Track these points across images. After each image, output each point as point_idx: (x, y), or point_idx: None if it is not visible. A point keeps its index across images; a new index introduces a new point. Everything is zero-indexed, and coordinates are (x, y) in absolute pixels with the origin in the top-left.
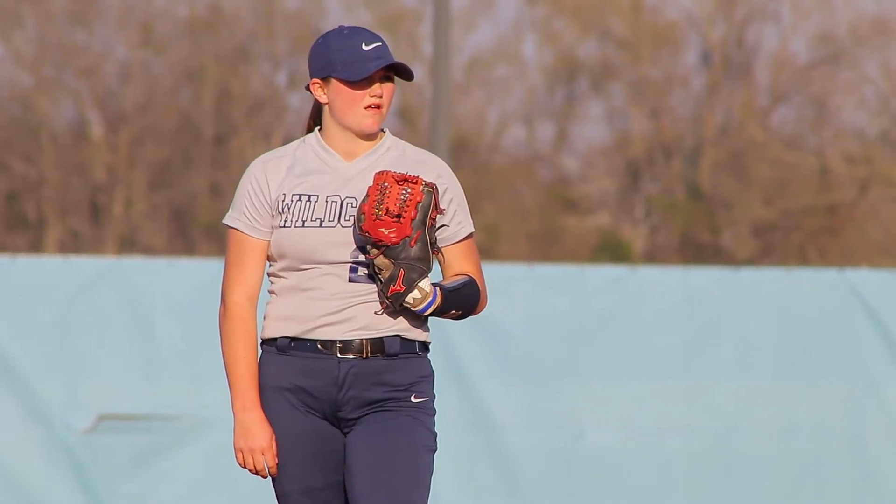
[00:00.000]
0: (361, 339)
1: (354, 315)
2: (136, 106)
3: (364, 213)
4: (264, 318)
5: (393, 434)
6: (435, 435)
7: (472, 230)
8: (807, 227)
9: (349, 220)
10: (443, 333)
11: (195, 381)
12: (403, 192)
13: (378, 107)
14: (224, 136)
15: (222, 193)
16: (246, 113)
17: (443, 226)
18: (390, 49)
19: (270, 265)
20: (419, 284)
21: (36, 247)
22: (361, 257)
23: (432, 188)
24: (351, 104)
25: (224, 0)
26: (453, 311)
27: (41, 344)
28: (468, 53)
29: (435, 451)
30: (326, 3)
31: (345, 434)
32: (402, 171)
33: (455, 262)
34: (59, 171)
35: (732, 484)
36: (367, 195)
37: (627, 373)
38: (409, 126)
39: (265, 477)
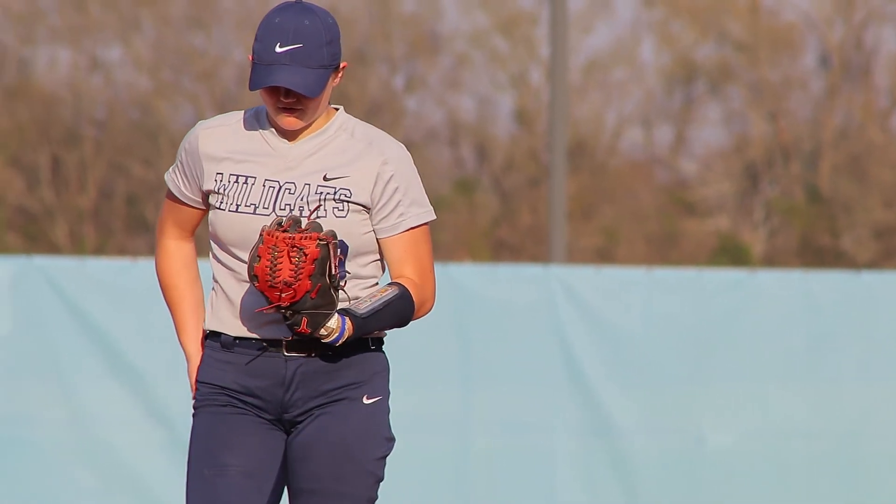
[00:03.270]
0: (310, 340)
1: None
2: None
3: (257, 276)
4: (208, 306)
5: (344, 448)
6: (390, 438)
7: (420, 222)
8: None
9: (284, 208)
10: (561, 338)
11: None
12: (297, 257)
13: (293, 108)
14: None
15: None
16: (363, 116)
17: (382, 218)
18: (306, 53)
19: (212, 247)
20: (325, 324)
21: (155, 250)
22: None
23: (328, 240)
24: (265, 99)
25: (340, 3)
26: (376, 332)
27: (162, 346)
28: (585, 56)
29: (388, 454)
30: (443, 5)
31: (288, 434)
32: (292, 234)
33: (393, 257)
34: None
35: (855, 488)
36: (258, 256)
37: (748, 376)
38: (526, 129)
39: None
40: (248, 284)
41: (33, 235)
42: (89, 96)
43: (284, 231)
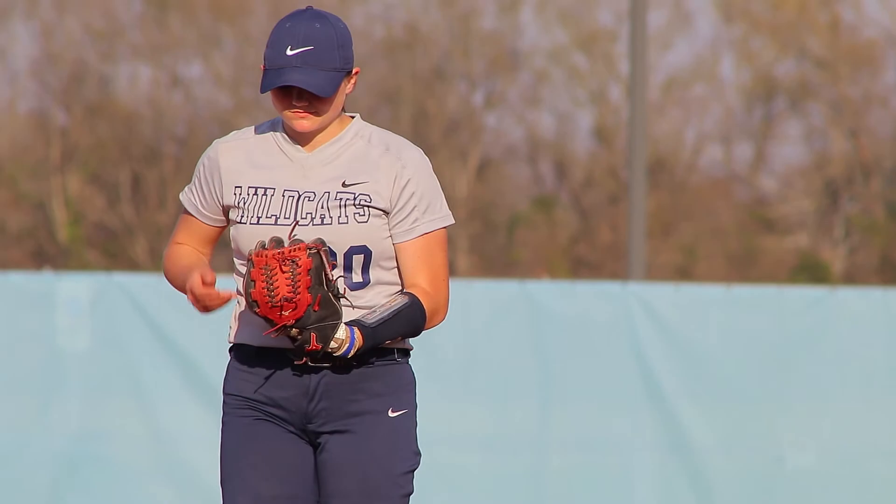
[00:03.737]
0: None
1: None
2: None
3: (256, 301)
4: (233, 321)
5: (371, 461)
6: (416, 452)
7: (433, 228)
8: None
9: (305, 217)
10: (640, 356)
11: None
12: (291, 270)
13: (305, 112)
14: None
15: None
16: (442, 133)
17: (398, 223)
18: (319, 56)
19: (235, 262)
20: (334, 336)
21: (231, 265)
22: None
23: (318, 247)
24: (278, 104)
25: (420, 21)
26: (388, 342)
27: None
28: (665, 72)
29: (416, 468)
30: (523, 22)
31: (315, 448)
32: (280, 249)
33: (407, 263)
34: None
35: None
36: (252, 280)
37: (828, 395)
38: (605, 146)
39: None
40: None
41: (113, 252)
42: (170, 113)
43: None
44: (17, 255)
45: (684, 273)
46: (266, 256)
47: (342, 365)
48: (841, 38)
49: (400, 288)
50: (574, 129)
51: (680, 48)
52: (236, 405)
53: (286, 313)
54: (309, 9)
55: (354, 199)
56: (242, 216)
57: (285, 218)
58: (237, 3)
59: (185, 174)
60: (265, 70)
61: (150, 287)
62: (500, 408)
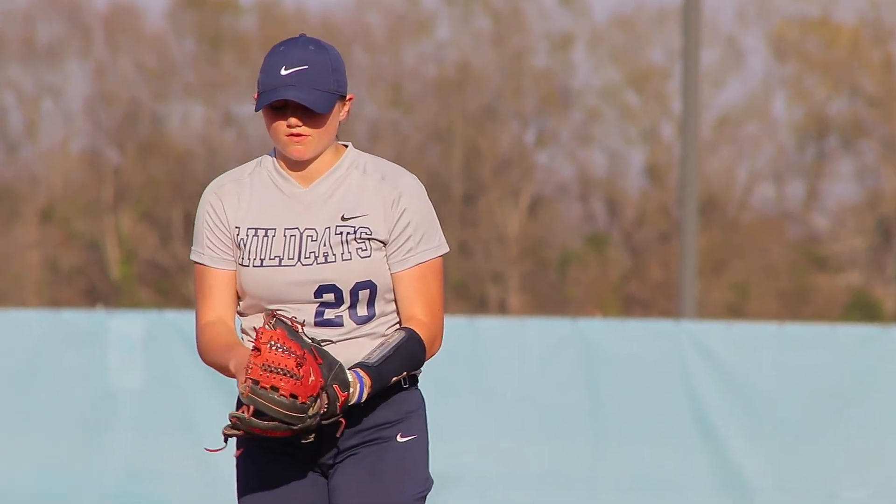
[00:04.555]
0: None
1: None
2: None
3: (296, 395)
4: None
5: (380, 483)
6: (427, 477)
7: (428, 257)
8: None
9: (309, 256)
10: (692, 393)
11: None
12: (279, 354)
13: (300, 135)
14: (472, 195)
15: (471, 251)
16: (494, 171)
17: (395, 251)
18: (315, 74)
19: (241, 303)
20: (339, 392)
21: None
22: (326, 296)
23: (270, 317)
24: (272, 130)
25: (472, 59)
26: (394, 378)
27: None
28: (717, 110)
29: (427, 493)
30: (575, 60)
31: (326, 477)
32: (252, 351)
33: (402, 293)
34: None
35: None
36: (272, 415)
37: (882, 431)
38: (657, 184)
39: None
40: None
41: (165, 290)
42: (222, 151)
43: (254, 381)
44: (70, 294)
45: (736, 311)
46: (252, 370)
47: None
48: (893, 75)
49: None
50: (626, 167)
51: (732, 86)
52: (246, 442)
53: (304, 393)
54: (302, 35)
55: (355, 232)
56: (244, 258)
57: (289, 259)
58: None
59: None
60: (259, 93)
61: None
62: (553, 445)
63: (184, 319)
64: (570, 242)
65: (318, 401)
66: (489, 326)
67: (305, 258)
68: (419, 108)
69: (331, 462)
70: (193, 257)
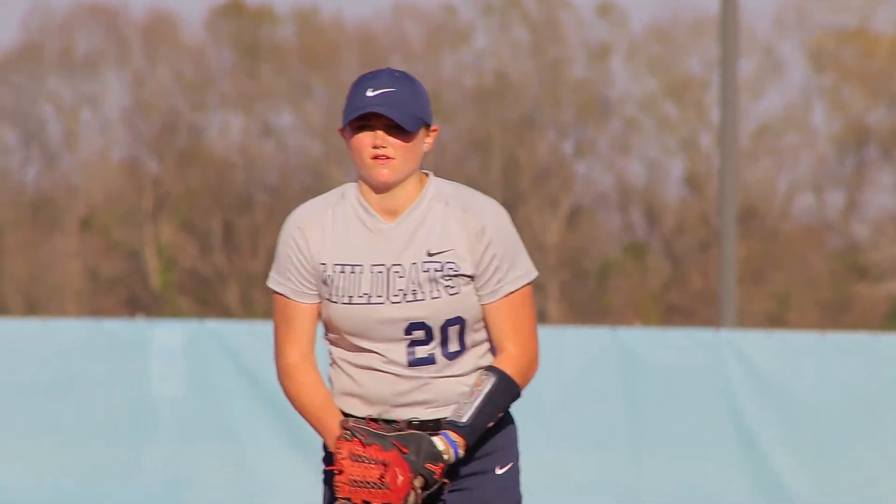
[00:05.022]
0: (439, 419)
1: (425, 396)
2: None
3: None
4: (329, 384)
5: None
6: (519, 500)
7: (518, 286)
8: None
9: (397, 294)
10: (732, 403)
11: None
12: (362, 467)
13: (386, 157)
14: (511, 204)
15: None
16: (532, 181)
17: (484, 283)
18: (399, 97)
19: (327, 332)
20: (435, 450)
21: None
22: (416, 333)
23: (346, 430)
24: (358, 154)
25: (510, 69)
26: (490, 423)
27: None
28: (756, 120)
29: None
30: (613, 70)
31: None
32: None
33: (494, 323)
34: None
35: None
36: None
37: None
38: (696, 193)
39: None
40: (370, 372)
41: (205, 299)
42: (261, 162)
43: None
44: (110, 303)
45: (776, 320)
46: (344, 486)
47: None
48: None
49: (489, 344)
50: (664, 177)
51: (771, 96)
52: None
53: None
54: (388, 67)
55: (442, 268)
56: (332, 294)
57: (378, 296)
58: (328, 53)
59: (276, 222)
60: (348, 111)
61: (242, 333)
62: (592, 455)
63: (224, 329)
64: (609, 252)
65: (413, 493)
66: None
67: (394, 295)
68: (457, 117)
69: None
70: (274, 286)
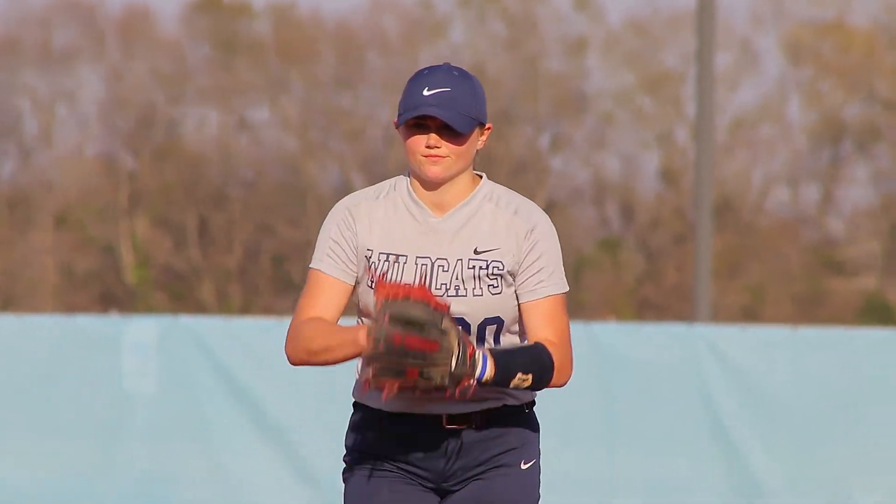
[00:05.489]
0: (471, 412)
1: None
2: (400, 168)
3: (415, 382)
4: (358, 379)
5: None
6: (538, 497)
7: (558, 291)
8: None
9: (440, 288)
10: (706, 397)
11: None
12: (400, 287)
13: (438, 156)
14: None
15: None
16: (508, 175)
17: (525, 280)
18: (458, 99)
19: (360, 321)
20: (468, 343)
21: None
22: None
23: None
24: (410, 151)
25: (487, 63)
26: (520, 375)
27: (307, 405)
28: (732, 114)
29: None
30: (589, 65)
31: (442, 497)
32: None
33: (531, 322)
34: None
35: None
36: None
37: (895, 435)
38: (672, 187)
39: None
40: None
41: (180, 295)
42: (237, 156)
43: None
44: (85, 299)
45: (751, 314)
46: (384, 288)
47: (478, 426)
48: None
49: None
50: (640, 171)
51: (747, 90)
52: (361, 462)
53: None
54: (446, 63)
55: (487, 267)
56: (373, 281)
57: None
58: (305, 48)
59: (251, 217)
60: (400, 114)
61: (216, 329)
62: (566, 449)
63: (198, 324)
64: (584, 246)
65: (454, 332)
66: None
67: (437, 289)
68: None
69: (451, 488)
70: (312, 265)
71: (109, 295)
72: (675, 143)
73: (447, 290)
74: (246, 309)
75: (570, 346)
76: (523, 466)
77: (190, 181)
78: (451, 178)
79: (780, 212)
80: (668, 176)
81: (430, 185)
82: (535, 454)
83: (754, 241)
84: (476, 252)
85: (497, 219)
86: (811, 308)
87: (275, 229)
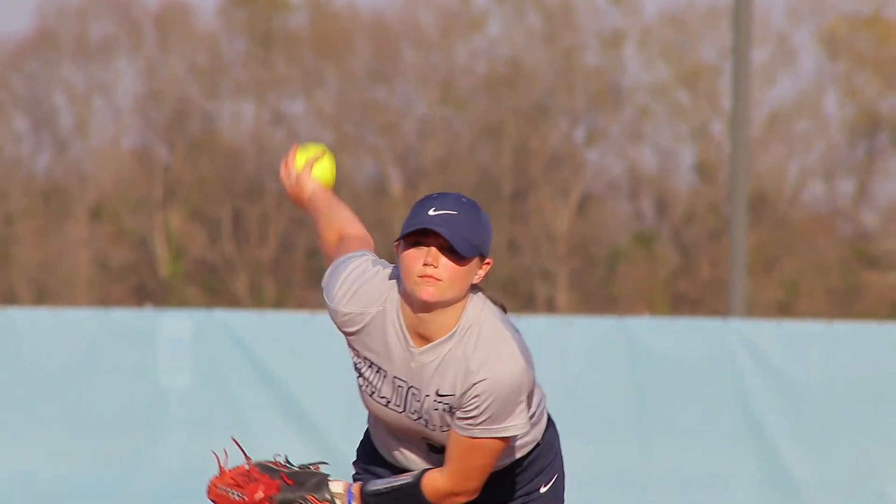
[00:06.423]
0: None
1: None
2: (435, 162)
3: None
4: (368, 427)
5: None
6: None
7: (485, 436)
8: None
9: (413, 413)
10: (740, 392)
11: None
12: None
13: (434, 277)
14: (522, 192)
15: (520, 249)
16: (544, 169)
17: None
18: (461, 221)
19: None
20: (314, 499)
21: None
22: (431, 443)
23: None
24: (406, 269)
25: (523, 57)
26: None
27: (339, 398)
28: (768, 108)
29: None
30: (626, 58)
31: None
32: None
33: (448, 447)
34: None
35: None
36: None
37: None
38: (707, 181)
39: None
40: (398, 451)
41: (214, 288)
42: (272, 150)
43: None
44: (119, 291)
45: (785, 309)
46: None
47: None
48: None
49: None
50: (675, 165)
51: (783, 84)
52: (368, 471)
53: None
54: (457, 192)
55: (450, 410)
56: (360, 379)
57: (396, 405)
58: (340, 41)
59: (286, 211)
60: (406, 225)
61: (250, 323)
62: (598, 443)
63: (233, 318)
64: (619, 240)
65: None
66: (535, 325)
67: (411, 413)
68: (470, 105)
69: None
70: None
71: (143, 288)
72: (710, 136)
73: (420, 416)
74: (280, 302)
75: (468, 484)
76: (543, 489)
77: (225, 174)
78: (443, 305)
79: (815, 206)
80: (704, 170)
81: (421, 307)
82: (557, 469)
83: (789, 236)
84: (438, 394)
85: (459, 367)
86: (846, 302)
87: (309, 223)
